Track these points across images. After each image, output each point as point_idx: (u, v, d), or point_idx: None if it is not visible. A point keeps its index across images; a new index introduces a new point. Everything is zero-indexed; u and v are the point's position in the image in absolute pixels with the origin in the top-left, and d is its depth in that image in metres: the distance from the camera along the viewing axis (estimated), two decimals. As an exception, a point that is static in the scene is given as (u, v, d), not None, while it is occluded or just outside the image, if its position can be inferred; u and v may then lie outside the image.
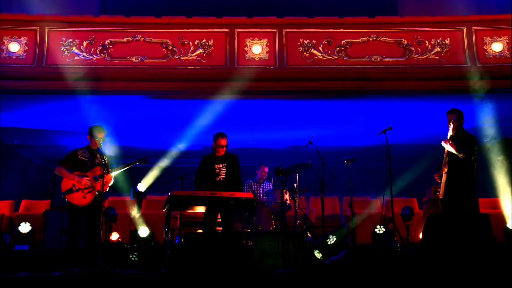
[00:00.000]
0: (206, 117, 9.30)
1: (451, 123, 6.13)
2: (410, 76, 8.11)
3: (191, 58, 8.14)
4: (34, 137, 10.59)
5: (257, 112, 9.09)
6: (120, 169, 6.19)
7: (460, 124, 6.14)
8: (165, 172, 11.13)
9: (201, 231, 6.30)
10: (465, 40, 8.22)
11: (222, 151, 6.53)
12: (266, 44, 8.23)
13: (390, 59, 8.18)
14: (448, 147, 5.97)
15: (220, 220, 6.41)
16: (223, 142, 6.51)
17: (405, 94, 8.39)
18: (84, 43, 8.09)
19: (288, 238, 5.80)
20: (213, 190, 5.87)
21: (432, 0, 10.19)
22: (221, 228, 6.29)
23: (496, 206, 8.76)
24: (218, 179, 6.43)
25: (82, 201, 5.87)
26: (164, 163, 11.22)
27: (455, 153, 5.93)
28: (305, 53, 8.20)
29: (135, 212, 8.18)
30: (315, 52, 8.20)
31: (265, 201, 7.83)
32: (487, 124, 9.49)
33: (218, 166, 6.48)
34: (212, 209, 6.01)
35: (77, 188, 5.89)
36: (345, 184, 7.74)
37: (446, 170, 6.10)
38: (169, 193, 5.55)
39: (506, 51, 8.11)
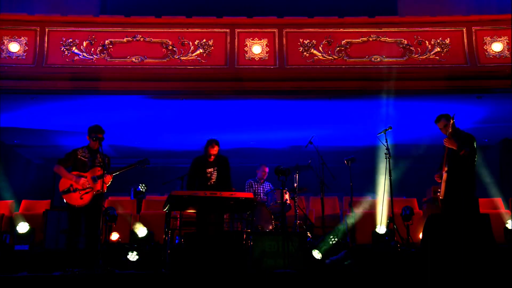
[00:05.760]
0: (206, 117, 9.30)
1: (444, 129, 6.18)
2: (410, 76, 8.11)
3: (191, 58, 8.14)
4: (34, 137, 10.59)
5: (257, 112, 9.09)
6: (120, 170, 6.17)
7: (453, 124, 6.18)
8: (165, 172, 11.12)
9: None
10: (465, 40, 8.22)
11: (213, 157, 6.57)
12: (266, 44, 8.23)
13: (390, 59, 8.18)
14: (450, 145, 5.99)
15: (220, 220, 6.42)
16: (214, 151, 6.57)
17: (405, 94, 8.39)
18: (84, 43, 8.09)
19: (288, 238, 5.80)
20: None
21: (432, 0, 10.18)
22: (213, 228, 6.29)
23: (496, 206, 8.76)
24: (210, 183, 6.49)
25: (79, 202, 5.85)
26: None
27: (456, 149, 5.94)
28: (305, 53, 8.19)
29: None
30: (315, 52, 8.20)
31: (265, 201, 7.83)
32: (487, 124, 9.50)
33: (210, 170, 6.55)
34: (204, 210, 5.99)
35: (74, 188, 5.87)
36: (345, 184, 7.74)
37: (446, 169, 6.11)
38: (169, 193, 5.56)
39: (506, 51, 8.11)
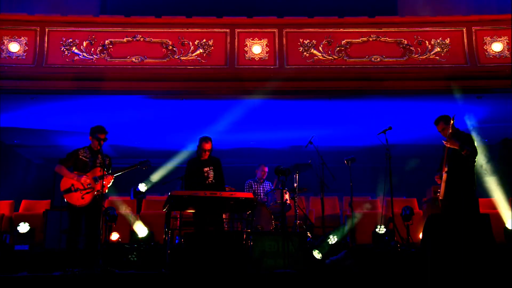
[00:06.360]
0: (206, 117, 9.30)
1: (442, 132, 6.18)
2: (410, 76, 8.11)
3: (191, 58, 8.14)
4: (34, 137, 10.59)
5: (257, 112, 9.09)
6: (121, 171, 6.16)
7: (453, 124, 6.19)
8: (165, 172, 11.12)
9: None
10: (465, 40, 8.22)
11: (206, 155, 6.57)
12: (266, 44, 8.23)
13: (390, 59, 8.18)
14: (451, 145, 5.99)
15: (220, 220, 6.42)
16: (207, 146, 6.56)
17: (405, 94, 8.39)
18: (84, 43, 8.09)
19: (288, 238, 5.80)
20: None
21: (432, 0, 10.18)
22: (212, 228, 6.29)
23: (496, 206, 8.76)
24: (207, 181, 6.47)
25: (81, 202, 5.85)
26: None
27: (458, 149, 5.95)
28: (305, 53, 8.19)
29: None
30: (315, 52, 8.20)
31: (265, 201, 7.84)
32: (487, 124, 9.50)
33: (206, 169, 6.53)
34: (203, 210, 5.98)
35: (75, 188, 5.87)
36: (345, 184, 7.75)
37: (446, 169, 6.12)
38: (169, 193, 5.56)
39: (506, 51, 8.11)
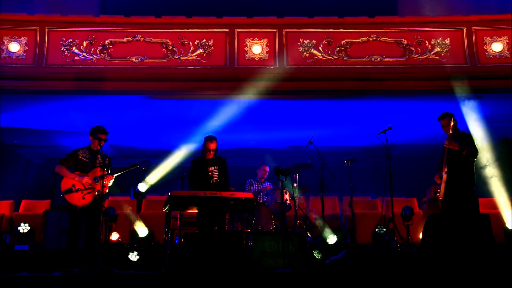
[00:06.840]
0: (206, 117, 9.30)
1: (446, 127, 6.19)
2: (410, 76, 8.11)
3: (191, 58, 8.14)
4: (34, 137, 10.59)
5: (257, 112, 9.09)
6: (121, 171, 6.16)
7: (454, 125, 6.20)
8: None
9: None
10: (465, 40, 8.22)
11: (211, 155, 6.57)
12: (266, 44, 8.23)
13: (390, 59, 8.18)
14: (451, 146, 6.00)
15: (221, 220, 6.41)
16: (212, 146, 6.58)
17: (405, 94, 8.39)
18: (84, 43, 8.08)
19: (288, 238, 5.80)
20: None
21: (432, 0, 10.18)
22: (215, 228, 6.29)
23: (496, 206, 8.76)
24: (212, 181, 6.48)
25: (81, 202, 5.86)
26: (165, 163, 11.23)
27: (458, 150, 5.95)
28: (305, 53, 8.19)
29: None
30: (315, 52, 8.20)
31: (265, 201, 7.84)
32: (487, 124, 9.49)
33: (211, 168, 6.53)
34: (205, 210, 5.99)
35: (76, 188, 5.87)
36: (345, 184, 7.75)
37: (446, 169, 6.12)
38: (169, 193, 5.56)
39: (506, 51, 8.11)
